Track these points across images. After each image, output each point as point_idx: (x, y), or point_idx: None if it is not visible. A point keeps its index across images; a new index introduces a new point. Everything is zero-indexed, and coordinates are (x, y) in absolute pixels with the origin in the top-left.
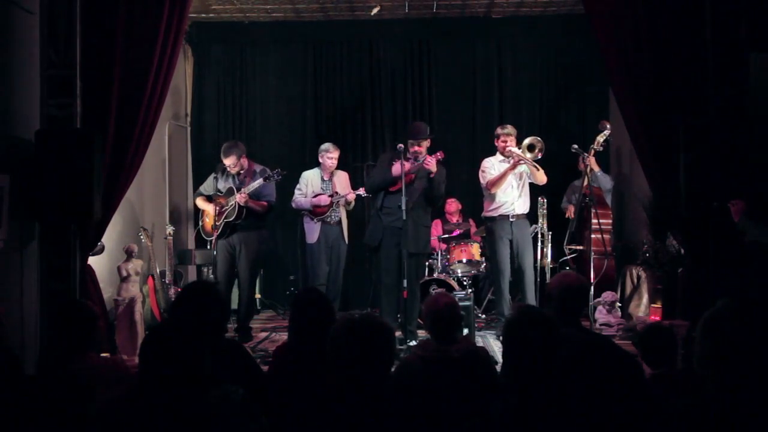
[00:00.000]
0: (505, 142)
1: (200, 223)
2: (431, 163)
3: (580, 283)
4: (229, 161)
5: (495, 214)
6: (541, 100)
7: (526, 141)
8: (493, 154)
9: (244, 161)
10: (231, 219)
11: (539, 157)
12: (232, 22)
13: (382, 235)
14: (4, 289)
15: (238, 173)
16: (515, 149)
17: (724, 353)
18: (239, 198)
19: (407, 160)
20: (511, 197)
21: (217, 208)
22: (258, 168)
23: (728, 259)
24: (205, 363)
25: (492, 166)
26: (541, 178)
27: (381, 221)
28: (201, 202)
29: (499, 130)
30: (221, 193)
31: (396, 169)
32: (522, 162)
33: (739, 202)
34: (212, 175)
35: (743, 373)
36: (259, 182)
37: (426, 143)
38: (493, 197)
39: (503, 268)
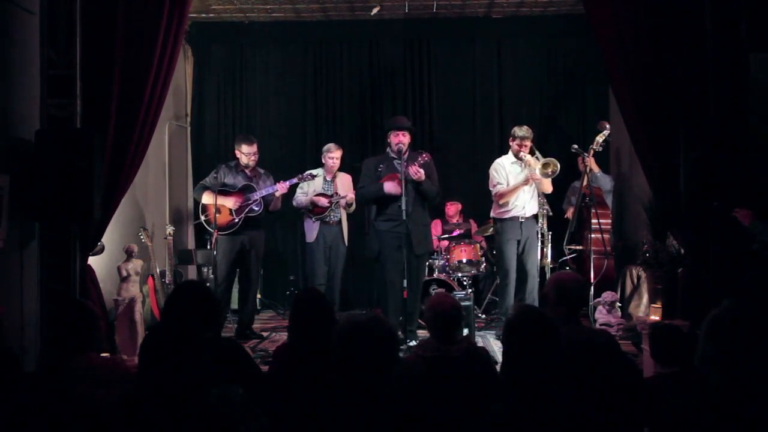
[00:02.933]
0: (520, 146)
1: (204, 216)
2: (420, 174)
3: (577, 283)
4: (251, 148)
5: (506, 216)
6: (541, 100)
7: (543, 160)
8: (505, 153)
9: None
10: (254, 214)
11: (549, 175)
12: (232, 22)
13: (380, 243)
14: (4, 289)
15: (249, 169)
16: (529, 157)
17: (729, 353)
18: (282, 186)
19: (400, 161)
20: (522, 200)
21: (239, 201)
22: (261, 169)
23: (733, 262)
24: (205, 363)
25: (502, 167)
26: (547, 188)
27: (377, 231)
28: (210, 197)
29: (516, 131)
30: (233, 188)
31: (389, 186)
32: (531, 181)
33: (743, 210)
34: (214, 173)
35: (747, 373)
36: (300, 179)
37: (408, 136)
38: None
39: (510, 268)
